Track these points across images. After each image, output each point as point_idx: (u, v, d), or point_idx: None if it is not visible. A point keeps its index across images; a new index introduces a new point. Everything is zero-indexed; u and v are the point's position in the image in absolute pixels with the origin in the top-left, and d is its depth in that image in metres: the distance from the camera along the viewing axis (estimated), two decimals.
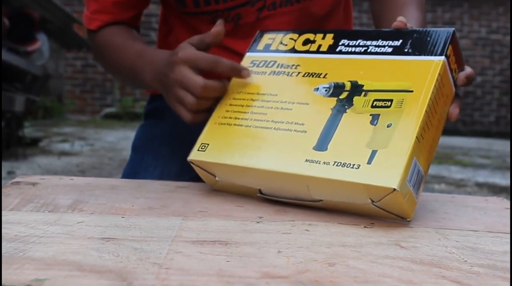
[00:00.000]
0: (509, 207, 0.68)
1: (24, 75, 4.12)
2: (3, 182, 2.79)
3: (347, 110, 0.61)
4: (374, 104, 0.61)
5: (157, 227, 0.50)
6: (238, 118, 0.66)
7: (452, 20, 8.79)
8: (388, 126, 0.58)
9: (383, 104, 0.60)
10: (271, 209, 0.60)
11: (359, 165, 0.56)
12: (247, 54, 0.74)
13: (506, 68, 8.78)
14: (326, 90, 0.64)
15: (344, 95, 0.63)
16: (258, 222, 0.54)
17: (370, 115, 0.60)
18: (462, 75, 0.65)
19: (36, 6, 4.27)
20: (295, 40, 0.72)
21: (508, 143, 6.89)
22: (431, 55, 0.62)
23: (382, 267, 0.42)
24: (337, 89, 0.64)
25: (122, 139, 5.36)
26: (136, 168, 0.94)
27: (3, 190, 0.62)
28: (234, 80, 0.71)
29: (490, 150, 6.31)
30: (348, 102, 0.62)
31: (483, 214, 0.63)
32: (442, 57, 0.61)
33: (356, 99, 0.62)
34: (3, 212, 0.53)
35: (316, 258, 0.43)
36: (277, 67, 0.70)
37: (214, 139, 0.66)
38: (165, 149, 0.94)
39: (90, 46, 0.95)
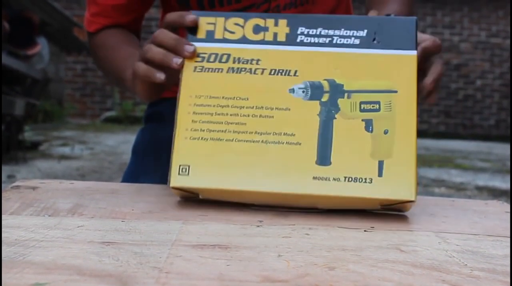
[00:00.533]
0: (509, 210, 0.68)
1: (24, 79, 4.14)
2: (3, 186, 2.78)
3: (336, 116, 0.59)
4: (362, 108, 0.59)
5: (157, 231, 0.50)
6: (213, 131, 0.59)
7: (452, 23, 8.80)
8: (385, 132, 0.58)
9: (371, 108, 0.59)
10: (271, 213, 0.60)
11: (371, 179, 0.56)
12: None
13: (506, 71, 8.78)
14: (303, 91, 0.59)
15: (325, 97, 0.59)
16: (258, 226, 0.54)
17: (362, 120, 0.59)
18: (428, 80, 0.66)
19: (36, 10, 4.28)
20: (242, 27, 0.63)
21: (508, 146, 6.89)
22: (403, 49, 0.61)
23: (382, 271, 0.42)
24: (314, 90, 0.59)
25: (122, 143, 5.36)
26: (137, 172, 0.94)
27: (3, 194, 0.62)
28: (187, 79, 0.62)
29: (490, 153, 6.31)
30: (333, 106, 0.59)
31: (483, 218, 0.63)
32: (415, 52, 0.61)
33: (341, 102, 0.59)
34: (3, 216, 0.53)
35: (316, 262, 0.43)
36: (234, 62, 0.61)
37: (195, 160, 0.59)
38: (165, 153, 0.93)
39: (89, 49, 0.96)
